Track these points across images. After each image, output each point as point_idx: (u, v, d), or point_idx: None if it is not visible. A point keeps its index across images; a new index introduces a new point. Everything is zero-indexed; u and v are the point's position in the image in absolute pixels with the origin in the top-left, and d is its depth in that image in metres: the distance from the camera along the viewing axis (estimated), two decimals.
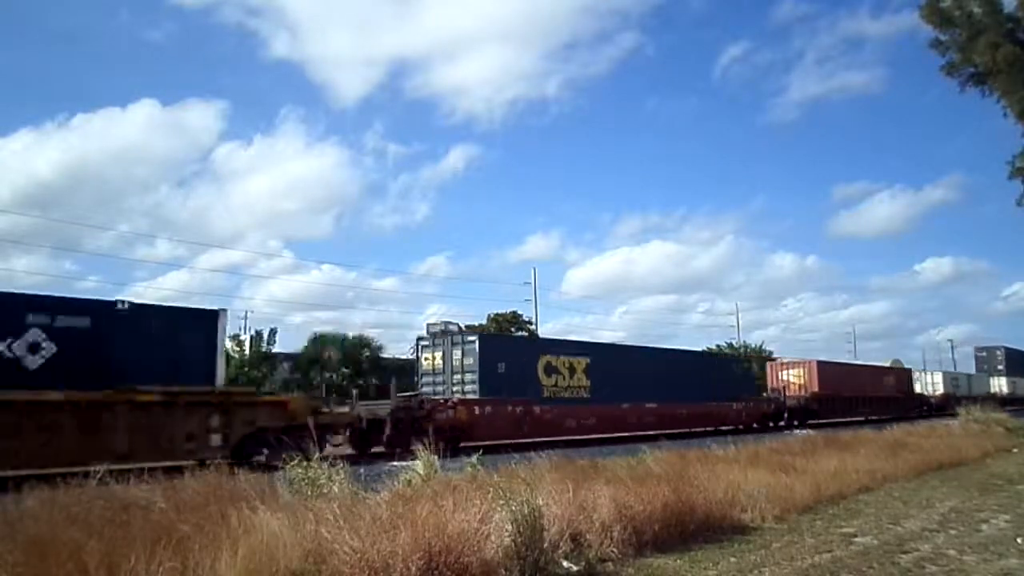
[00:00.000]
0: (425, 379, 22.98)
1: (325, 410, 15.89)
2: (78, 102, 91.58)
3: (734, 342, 55.68)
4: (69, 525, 5.48)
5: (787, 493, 9.59)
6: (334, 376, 33.27)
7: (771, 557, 6.89)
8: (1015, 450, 19.14)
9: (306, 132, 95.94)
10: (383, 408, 18.39)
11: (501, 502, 6.11)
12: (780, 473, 10.78)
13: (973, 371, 62.24)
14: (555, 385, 23.49)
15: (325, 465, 8.08)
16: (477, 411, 20.39)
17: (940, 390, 45.26)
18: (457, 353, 22.13)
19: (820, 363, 34.39)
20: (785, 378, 34.27)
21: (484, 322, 47.64)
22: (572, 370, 24.05)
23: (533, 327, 46.39)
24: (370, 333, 40.92)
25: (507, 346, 26.33)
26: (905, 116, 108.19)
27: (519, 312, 47.91)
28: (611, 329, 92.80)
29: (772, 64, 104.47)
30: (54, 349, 12.28)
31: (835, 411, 33.21)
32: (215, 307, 14.96)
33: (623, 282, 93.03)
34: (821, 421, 31.24)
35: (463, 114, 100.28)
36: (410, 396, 20.43)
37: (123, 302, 13.45)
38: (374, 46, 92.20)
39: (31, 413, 11.72)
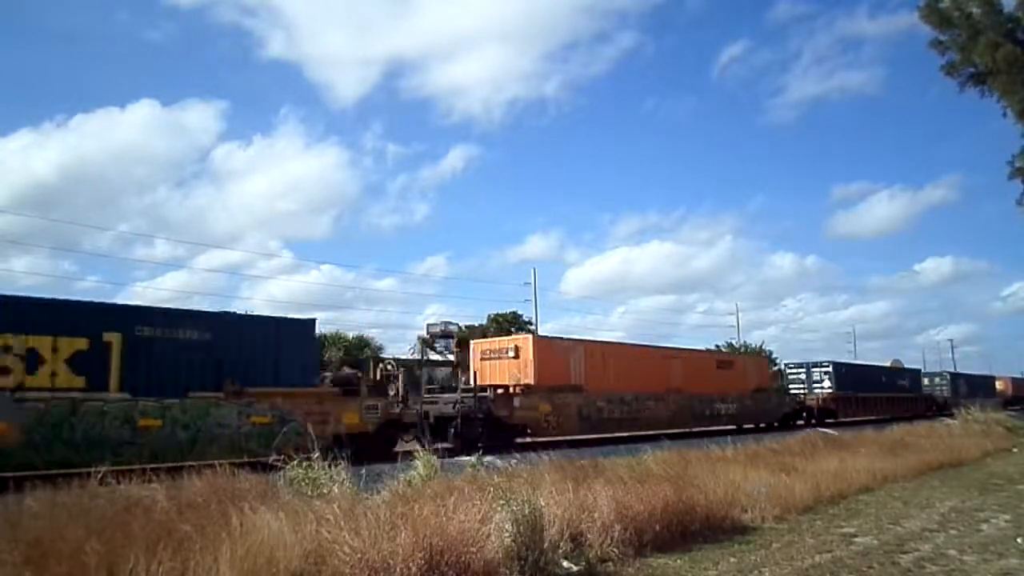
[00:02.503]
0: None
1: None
2: (77, 102, 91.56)
3: (733, 342, 55.64)
4: (70, 525, 5.48)
5: (787, 493, 9.60)
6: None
7: (771, 557, 6.89)
8: (1015, 450, 19.16)
9: (305, 132, 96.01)
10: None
11: (502, 502, 6.12)
12: (780, 473, 10.79)
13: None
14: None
15: (326, 465, 8.09)
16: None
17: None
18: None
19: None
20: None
21: (484, 322, 47.67)
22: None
23: (533, 327, 46.41)
24: (370, 333, 40.95)
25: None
26: (904, 116, 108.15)
27: (519, 312, 47.94)
28: (610, 329, 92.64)
29: (770, 64, 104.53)
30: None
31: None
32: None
33: (622, 282, 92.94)
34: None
35: (462, 114, 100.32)
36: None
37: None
38: (371, 46, 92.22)
39: None
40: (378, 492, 7.90)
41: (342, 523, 5.38)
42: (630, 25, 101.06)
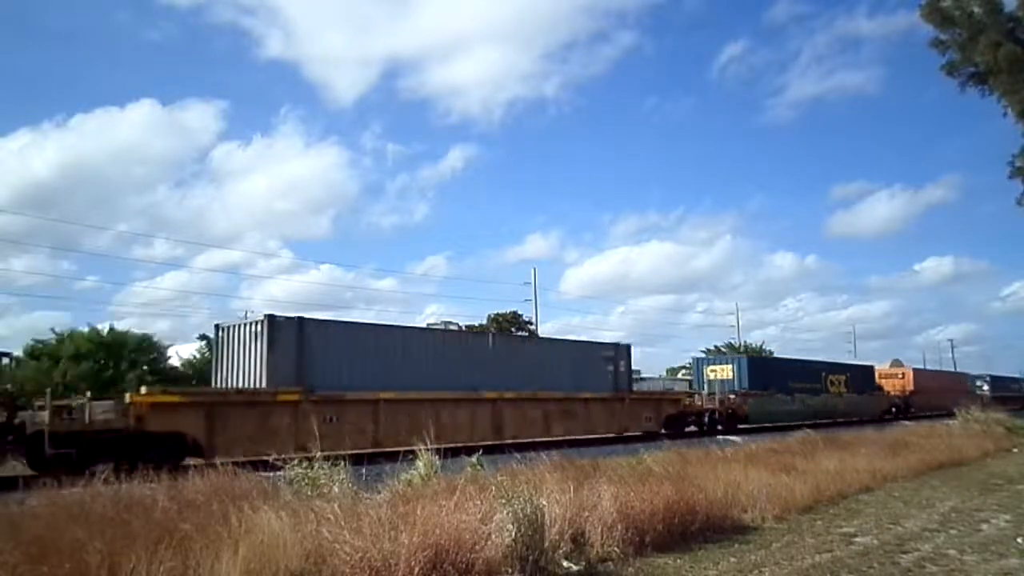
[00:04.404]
0: None
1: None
2: (76, 102, 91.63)
3: (733, 342, 55.59)
4: (71, 524, 5.48)
5: (787, 493, 9.60)
6: None
7: (771, 557, 6.89)
8: (1015, 450, 19.16)
9: (305, 132, 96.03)
10: None
11: (503, 501, 6.12)
12: (780, 473, 10.79)
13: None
14: None
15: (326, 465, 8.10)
16: None
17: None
18: None
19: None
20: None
21: (484, 322, 47.65)
22: None
23: (533, 327, 46.38)
24: None
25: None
26: (903, 116, 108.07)
27: (519, 312, 47.93)
28: (610, 329, 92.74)
29: (769, 64, 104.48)
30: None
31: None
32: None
33: (622, 282, 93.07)
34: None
35: (461, 114, 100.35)
36: None
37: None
38: (370, 45, 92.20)
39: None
40: (378, 492, 7.91)
41: (343, 523, 5.38)
42: (629, 25, 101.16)
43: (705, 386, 28.26)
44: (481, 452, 10.14)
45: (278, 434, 13.95)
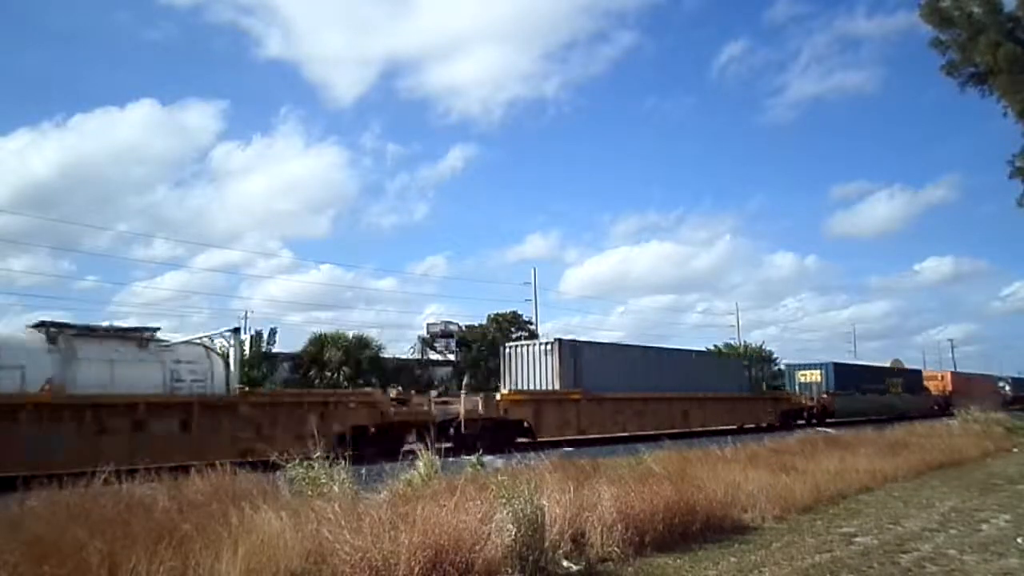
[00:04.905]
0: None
1: None
2: (76, 101, 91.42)
3: (733, 342, 55.61)
4: (71, 524, 5.49)
5: (787, 493, 9.61)
6: (335, 375, 33.24)
7: (771, 557, 6.90)
8: (1015, 450, 19.17)
9: (305, 132, 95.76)
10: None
11: (503, 501, 6.12)
12: (780, 473, 10.80)
13: None
14: None
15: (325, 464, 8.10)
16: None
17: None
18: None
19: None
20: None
21: (484, 322, 47.63)
22: None
23: (533, 327, 46.39)
24: (369, 333, 40.91)
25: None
26: (903, 116, 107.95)
27: (519, 312, 47.92)
28: (609, 329, 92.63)
29: (769, 64, 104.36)
30: None
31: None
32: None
33: (622, 282, 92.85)
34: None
35: (461, 114, 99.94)
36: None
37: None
38: (369, 45, 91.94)
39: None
40: (378, 492, 7.91)
41: (343, 522, 5.39)
42: (629, 25, 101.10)
43: (796, 388, 34.64)
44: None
45: (569, 421, 20.54)
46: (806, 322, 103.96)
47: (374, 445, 15.42)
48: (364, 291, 75.69)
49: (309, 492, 7.58)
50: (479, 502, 6.29)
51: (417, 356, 41.87)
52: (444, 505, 6.02)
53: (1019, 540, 7.63)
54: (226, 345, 15.59)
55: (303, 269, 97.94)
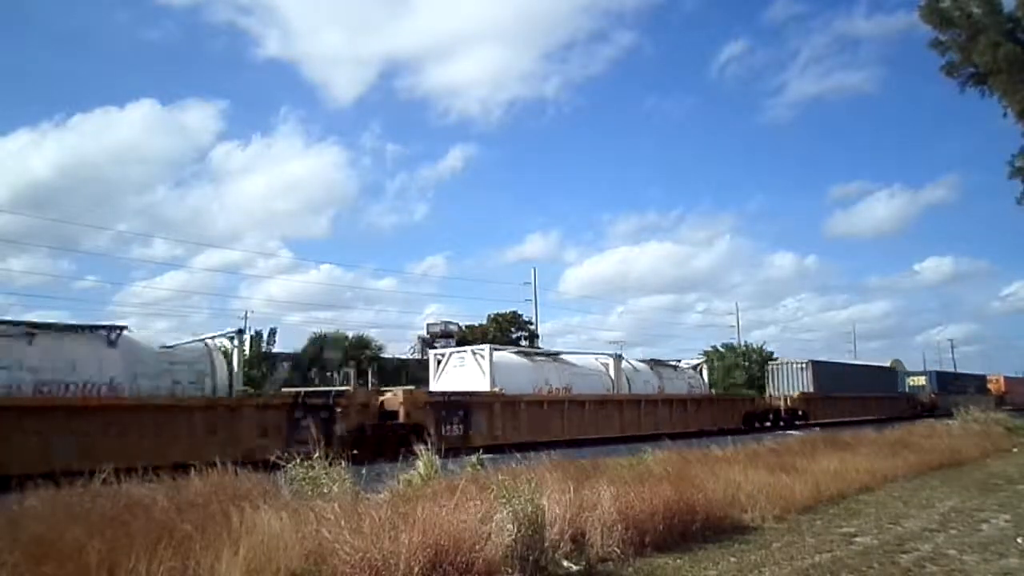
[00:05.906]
0: None
1: None
2: (76, 101, 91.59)
3: (733, 342, 55.61)
4: (71, 524, 5.48)
5: (787, 493, 9.60)
6: (335, 375, 33.27)
7: (771, 557, 6.89)
8: (1015, 450, 19.16)
9: (304, 132, 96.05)
10: None
11: (503, 501, 6.12)
12: (780, 473, 10.78)
13: None
14: None
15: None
16: None
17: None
18: None
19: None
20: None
21: (484, 322, 47.64)
22: None
23: (533, 327, 46.40)
24: (369, 333, 40.92)
25: None
26: (903, 116, 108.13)
27: (519, 312, 47.93)
28: (609, 329, 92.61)
29: (768, 64, 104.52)
30: None
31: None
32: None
33: (621, 282, 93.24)
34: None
35: (461, 114, 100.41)
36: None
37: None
38: (368, 45, 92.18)
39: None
40: (378, 492, 7.90)
41: (343, 522, 5.38)
42: (628, 25, 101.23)
43: (907, 388, 42.96)
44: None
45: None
46: (806, 322, 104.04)
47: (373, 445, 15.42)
48: (364, 291, 76.01)
49: (309, 492, 7.57)
50: (479, 502, 6.29)
51: (417, 356, 41.88)
52: (444, 505, 6.02)
53: (1019, 540, 7.63)
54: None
55: (303, 269, 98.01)
